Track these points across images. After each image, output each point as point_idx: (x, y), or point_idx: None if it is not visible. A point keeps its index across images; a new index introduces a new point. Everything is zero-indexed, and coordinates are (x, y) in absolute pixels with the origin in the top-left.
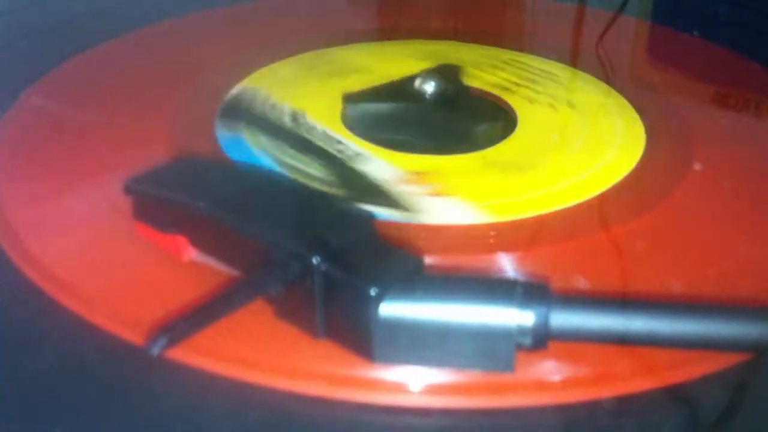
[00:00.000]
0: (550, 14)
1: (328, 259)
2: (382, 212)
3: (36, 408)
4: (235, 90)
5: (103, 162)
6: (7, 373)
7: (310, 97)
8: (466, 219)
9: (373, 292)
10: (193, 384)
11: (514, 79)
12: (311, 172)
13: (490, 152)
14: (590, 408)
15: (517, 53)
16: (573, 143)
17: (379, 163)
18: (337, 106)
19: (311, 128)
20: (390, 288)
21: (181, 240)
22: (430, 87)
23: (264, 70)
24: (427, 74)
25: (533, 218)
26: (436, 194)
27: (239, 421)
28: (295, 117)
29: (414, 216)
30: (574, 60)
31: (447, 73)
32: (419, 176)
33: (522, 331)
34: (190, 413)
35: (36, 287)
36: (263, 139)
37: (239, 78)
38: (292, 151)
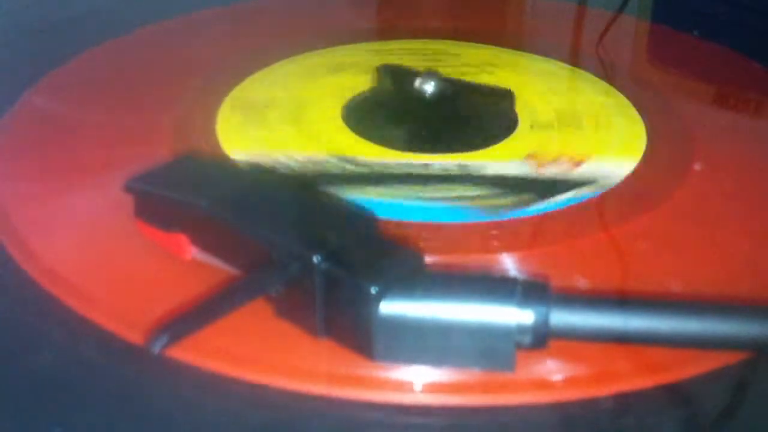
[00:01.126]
0: (550, 14)
1: (329, 257)
2: (578, 195)
3: (36, 408)
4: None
5: (104, 161)
6: (7, 373)
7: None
8: (630, 167)
9: (373, 290)
10: (192, 383)
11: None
12: (469, 194)
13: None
14: (590, 407)
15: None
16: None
17: (492, 164)
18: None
19: (381, 165)
20: (390, 286)
21: (182, 239)
22: (429, 87)
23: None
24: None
25: (533, 218)
26: (578, 162)
27: (239, 420)
28: (347, 161)
29: (601, 184)
30: (574, 59)
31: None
32: (537, 159)
33: (522, 329)
34: (189, 412)
35: (37, 286)
36: (373, 191)
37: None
38: (414, 187)
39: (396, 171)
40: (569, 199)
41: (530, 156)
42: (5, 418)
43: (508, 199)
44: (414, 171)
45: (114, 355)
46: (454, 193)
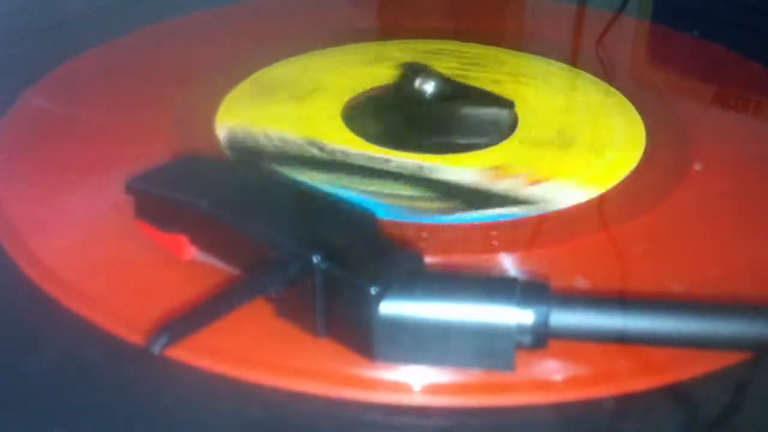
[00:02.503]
0: (550, 14)
1: (329, 257)
2: (507, 212)
3: (36, 408)
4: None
5: (104, 161)
6: (7, 373)
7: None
8: (585, 197)
9: (373, 290)
10: (192, 383)
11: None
12: (403, 193)
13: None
14: (590, 407)
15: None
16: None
17: (450, 170)
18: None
19: (344, 153)
20: (390, 286)
21: (182, 239)
22: (429, 87)
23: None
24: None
25: (533, 218)
26: (536, 182)
27: (239, 420)
28: (316, 145)
29: (541, 207)
30: (574, 59)
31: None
32: (498, 171)
33: (522, 329)
34: (189, 412)
35: (37, 287)
36: (318, 176)
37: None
38: (356, 179)
39: (352, 161)
40: (496, 215)
41: (495, 168)
42: (6, 419)
43: (435, 204)
44: (372, 165)
45: (114, 355)
46: (387, 190)
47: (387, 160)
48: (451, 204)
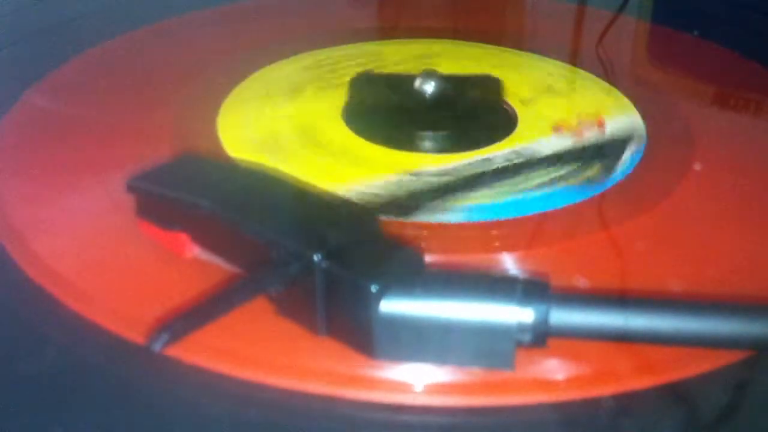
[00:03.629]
0: (550, 14)
1: (329, 256)
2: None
3: (36, 408)
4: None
5: (105, 161)
6: (7, 373)
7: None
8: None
9: (374, 289)
10: (193, 382)
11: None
12: (554, 175)
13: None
14: (590, 406)
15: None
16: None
17: (536, 146)
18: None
19: (451, 170)
20: (391, 285)
21: (183, 237)
22: (429, 87)
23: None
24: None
25: (533, 217)
26: (601, 123)
27: (239, 419)
28: (414, 174)
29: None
30: (574, 59)
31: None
32: (566, 129)
33: (522, 328)
34: (190, 411)
35: (37, 286)
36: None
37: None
38: (497, 184)
39: (467, 173)
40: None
41: (556, 128)
42: (6, 418)
43: (594, 169)
44: (478, 168)
45: (114, 354)
46: (540, 180)
47: (487, 160)
48: (603, 163)
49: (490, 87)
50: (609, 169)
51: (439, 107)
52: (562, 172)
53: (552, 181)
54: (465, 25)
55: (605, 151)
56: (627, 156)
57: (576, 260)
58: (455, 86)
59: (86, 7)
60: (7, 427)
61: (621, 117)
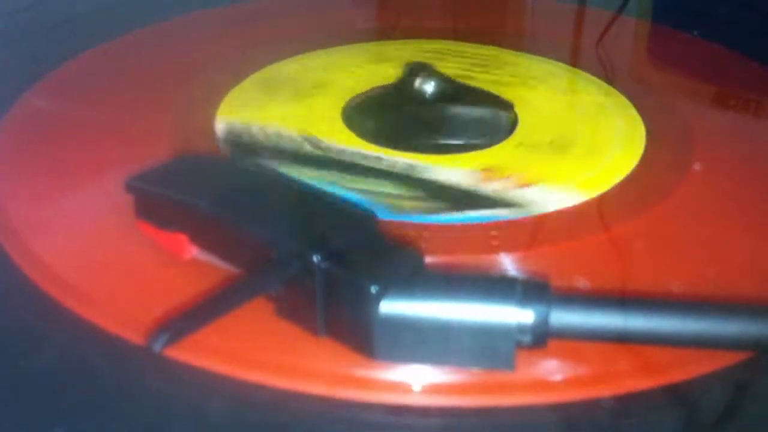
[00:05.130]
0: (550, 14)
1: (329, 257)
2: (492, 214)
3: (36, 408)
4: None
5: (104, 161)
6: (7, 373)
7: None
8: (570, 202)
9: (373, 289)
10: (192, 382)
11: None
12: (391, 192)
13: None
14: (590, 407)
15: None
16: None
17: (441, 170)
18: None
19: (339, 151)
20: (390, 286)
21: (182, 238)
22: (429, 87)
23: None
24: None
25: (533, 217)
26: (524, 185)
27: (239, 420)
28: (311, 141)
29: (525, 210)
30: (574, 60)
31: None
32: (488, 173)
33: (522, 329)
34: (190, 411)
35: (36, 287)
36: (308, 172)
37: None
38: (346, 176)
39: (345, 159)
40: (480, 217)
41: (486, 170)
42: (6, 419)
43: (421, 204)
44: (364, 163)
45: (114, 354)
46: (376, 188)
47: (379, 159)
48: (437, 204)
49: (501, 111)
50: (433, 211)
51: (438, 108)
52: (398, 192)
53: (369, 193)
54: (465, 25)
55: (459, 200)
56: (473, 213)
57: (576, 261)
58: (468, 98)
59: (86, 7)
60: (7, 428)
61: (561, 192)
